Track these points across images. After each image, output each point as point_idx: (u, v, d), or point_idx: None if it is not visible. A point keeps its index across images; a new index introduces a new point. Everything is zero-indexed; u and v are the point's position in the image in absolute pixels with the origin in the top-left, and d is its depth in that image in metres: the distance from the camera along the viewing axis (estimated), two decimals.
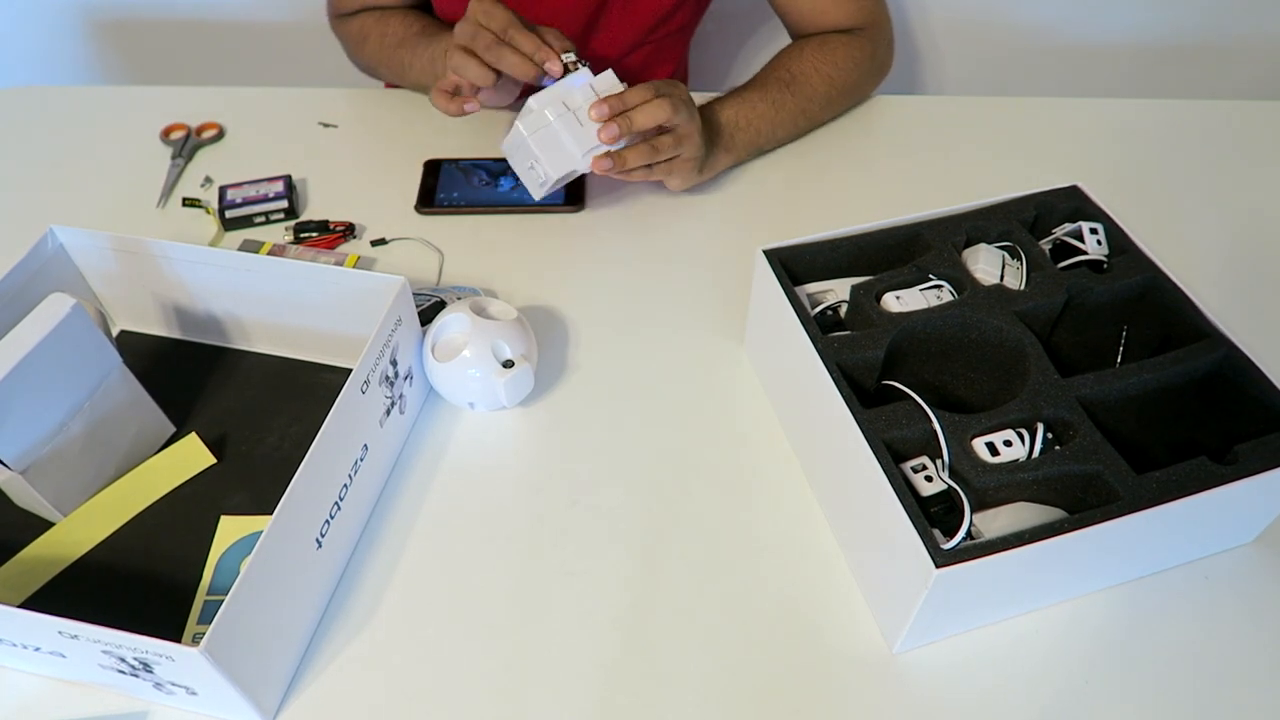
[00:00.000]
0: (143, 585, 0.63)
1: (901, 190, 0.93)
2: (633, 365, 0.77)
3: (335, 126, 1.03)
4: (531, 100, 0.80)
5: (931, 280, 0.68)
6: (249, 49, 1.47)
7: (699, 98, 1.02)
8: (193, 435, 0.69)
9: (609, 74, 0.81)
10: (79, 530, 0.65)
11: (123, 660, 0.51)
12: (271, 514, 0.53)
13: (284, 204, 0.90)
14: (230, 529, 0.65)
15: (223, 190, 0.92)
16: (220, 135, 1.02)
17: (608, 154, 0.80)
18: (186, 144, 1.00)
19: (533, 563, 0.64)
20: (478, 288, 0.83)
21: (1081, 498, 0.57)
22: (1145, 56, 1.38)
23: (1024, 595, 0.59)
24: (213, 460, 0.69)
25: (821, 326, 0.65)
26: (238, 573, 0.51)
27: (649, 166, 0.83)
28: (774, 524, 0.66)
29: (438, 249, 0.88)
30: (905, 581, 0.54)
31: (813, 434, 0.67)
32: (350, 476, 0.62)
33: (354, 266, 0.85)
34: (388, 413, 0.67)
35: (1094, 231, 0.71)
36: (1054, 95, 1.05)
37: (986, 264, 0.68)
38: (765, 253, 0.70)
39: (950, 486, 0.56)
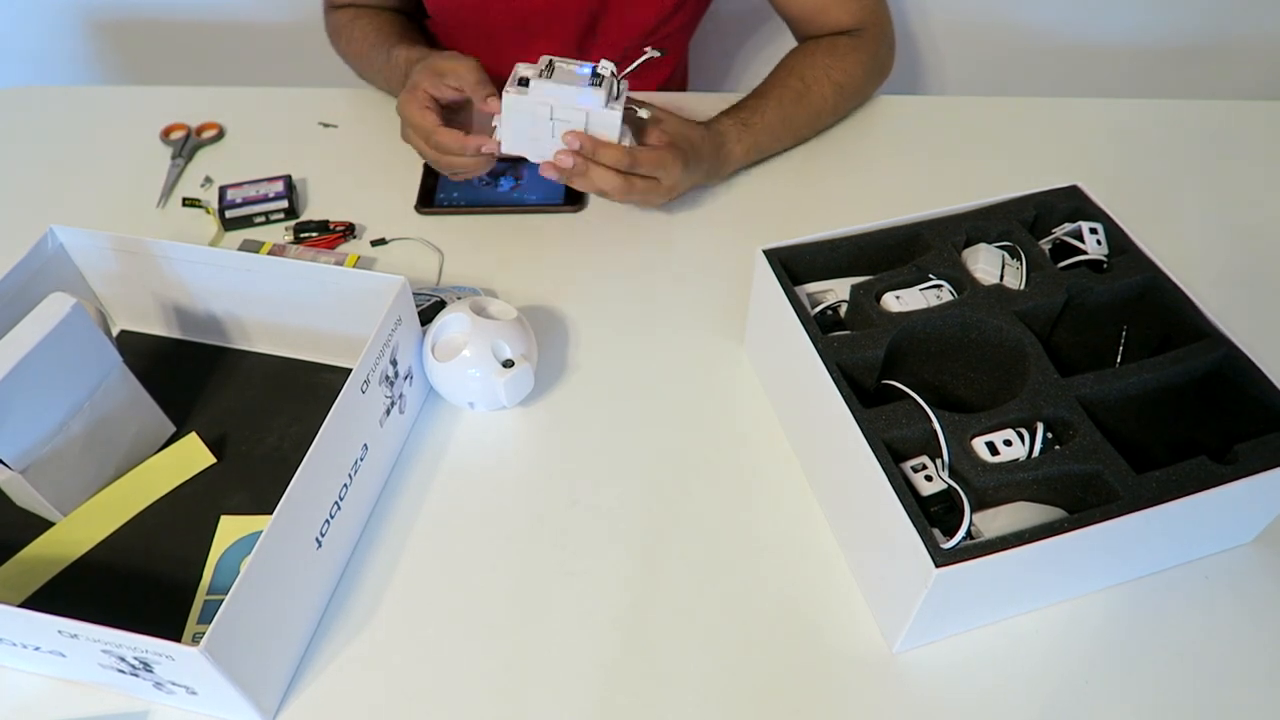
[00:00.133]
0: (143, 585, 0.63)
1: (901, 190, 0.93)
2: (633, 365, 0.77)
3: (335, 126, 1.03)
4: (534, 83, 0.76)
5: (931, 280, 0.68)
6: (249, 49, 1.47)
7: (699, 97, 1.03)
8: (193, 435, 0.69)
9: (616, 115, 0.76)
10: (79, 530, 0.65)
11: (123, 660, 0.51)
12: (271, 514, 0.53)
13: (284, 204, 0.90)
14: (230, 529, 0.65)
15: (223, 190, 0.92)
16: (220, 135, 1.02)
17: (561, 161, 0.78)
18: (186, 144, 1.00)
19: (533, 563, 0.64)
20: (478, 288, 0.83)
21: (1081, 497, 0.57)
22: (1145, 56, 1.38)
23: (1024, 595, 0.59)
24: (213, 460, 0.69)
25: (821, 326, 0.65)
26: (238, 572, 0.51)
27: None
28: (774, 524, 0.66)
29: (438, 249, 0.88)
30: (905, 581, 0.54)
31: (813, 434, 0.67)
32: (350, 476, 0.62)
33: (354, 266, 0.85)
34: (388, 412, 0.67)
35: (1094, 231, 0.71)
36: (1054, 95, 1.05)
37: (986, 264, 0.68)
38: (765, 252, 0.70)
39: (950, 486, 0.56)
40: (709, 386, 0.76)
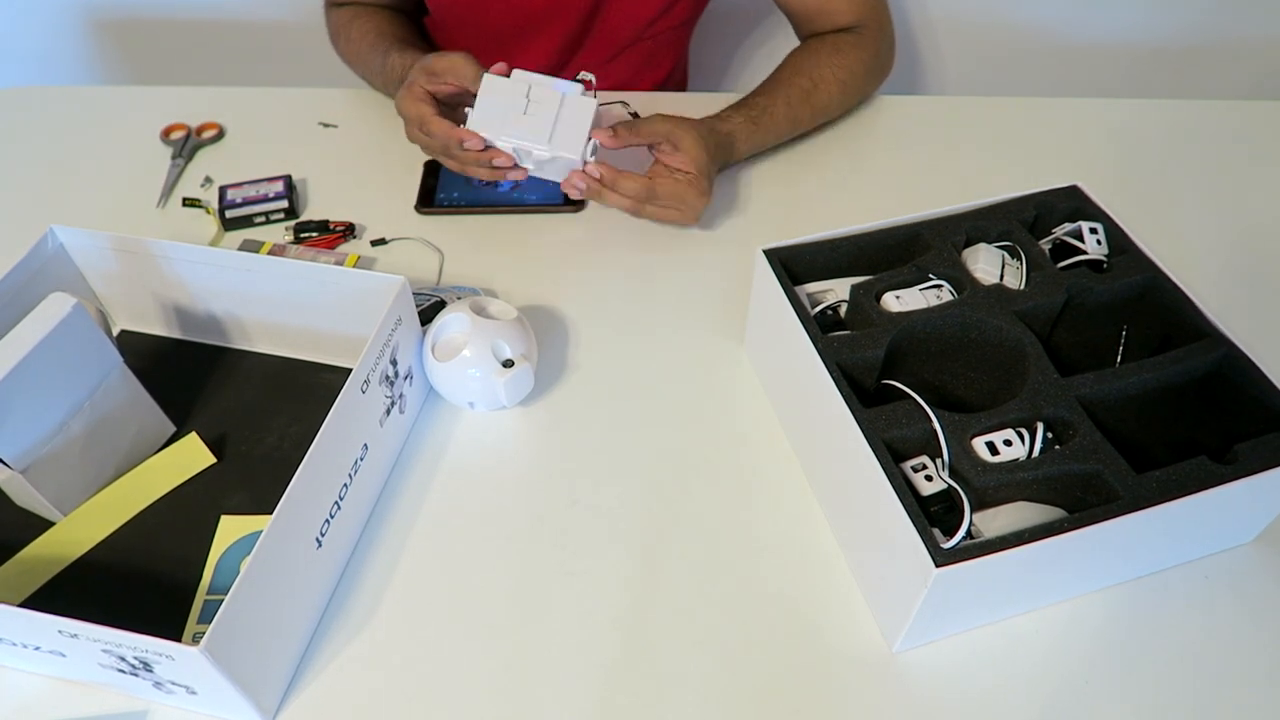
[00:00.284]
0: (143, 585, 0.63)
1: (901, 190, 0.93)
2: (633, 365, 0.77)
3: (335, 126, 1.03)
4: (516, 70, 0.81)
5: (931, 280, 0.68)
6: (249, 49, 1.47)
7: (699, 97, 1.03)
8: (193, 435, 0.69)
9: (590, 102, 0.80)
10: (79, 530, 0.65)
11: (123, 659, 0.51)
12: (271, 514, 0.53)
13: (284, 204, 0.90)
14: (230, 529, 0.65)
15: (223, 190, 0.92)
16: (220, 135, 1.02)
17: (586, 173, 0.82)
18: (186, 144, 1.00)
19: (533, 563, 0.64)
20: (478, 288, 0.83)
21: (1081, 497, 0.57)
22: (1145, 56, 1.38)
23: (1023, 595, 0.59)
24: (213, 460, 0.69)
25: (821, 326, 0.65)
26: (238, 572, 0.51)
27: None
28: (774, 524, 0.66)
29: (438, 249, 0.88)
30: (905, 581, 0.54)
31: (813, 434, 0.67)
32: (350, 476, 0.62)
33: (354, 266, 0.85)
34: (388, 412, 0.67)
35: (1094, 231, 0.71)
36: (1054, 95, 1.05)
37: (986, 264, 0.68)
38: (765, 252, 0.70)
39: (950, 486, 0.56)
40: (709, 386, 0.76)
